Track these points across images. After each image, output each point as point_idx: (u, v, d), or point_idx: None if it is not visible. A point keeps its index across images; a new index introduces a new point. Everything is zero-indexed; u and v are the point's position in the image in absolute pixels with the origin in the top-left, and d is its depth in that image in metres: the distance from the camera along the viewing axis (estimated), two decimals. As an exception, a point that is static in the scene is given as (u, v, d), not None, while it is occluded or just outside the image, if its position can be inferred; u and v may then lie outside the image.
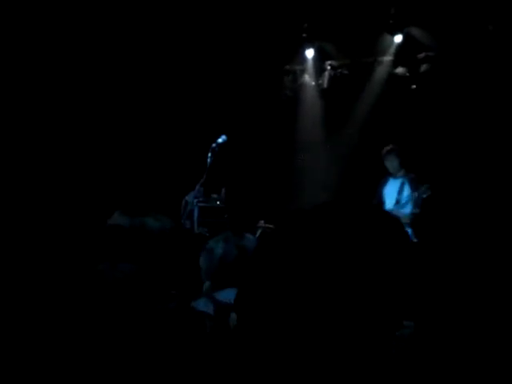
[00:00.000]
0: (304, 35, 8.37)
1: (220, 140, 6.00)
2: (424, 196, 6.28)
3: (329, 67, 8.66)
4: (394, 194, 6.56)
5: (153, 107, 8.01)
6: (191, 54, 8.04)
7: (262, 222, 6.87)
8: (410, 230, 6.14)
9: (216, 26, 7.84)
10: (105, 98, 7.60)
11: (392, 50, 8.26)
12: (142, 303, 2.14)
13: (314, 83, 8.82)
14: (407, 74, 8.17)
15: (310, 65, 8.78)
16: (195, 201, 6.33)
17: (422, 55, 8.07)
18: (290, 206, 6.98)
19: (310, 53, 8.62)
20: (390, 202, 6.59)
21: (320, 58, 8.68)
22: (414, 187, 6.43)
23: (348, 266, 1.19)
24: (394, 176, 6.68)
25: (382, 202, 6.65)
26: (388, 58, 8.31)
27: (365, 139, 8.10)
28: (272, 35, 8.13)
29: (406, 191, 6.49)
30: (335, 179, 8.04)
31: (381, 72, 8.33)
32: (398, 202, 6.53)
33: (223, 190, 7.01)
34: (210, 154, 6.06)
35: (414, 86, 8.06)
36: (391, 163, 6.64)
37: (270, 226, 6.58)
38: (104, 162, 7.43)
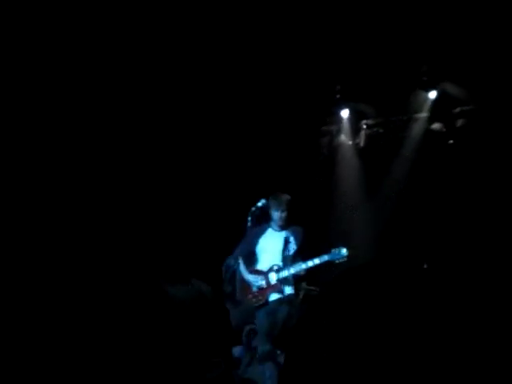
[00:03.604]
0: (338, 96, 8.47)
1: (259, 204, 6.02)
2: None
3: (365, 126, 8.72)
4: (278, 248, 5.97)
5: (193, 172, 8.13)
6: (229, 121, 8.18)
7: (304, 284, 6.82)
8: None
9: (252, 90, 8.00)
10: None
11: (427, 106, 8.28)
12: (185, 372, 2.15)
13: (350, 143, 8.86)
14: (444, 130, 8.16)
15: (345, 125, 8.83)
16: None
17: (457, 110, 8.07)
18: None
19: (345, 113, 8.69)
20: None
21: (355, 118, 8.73)
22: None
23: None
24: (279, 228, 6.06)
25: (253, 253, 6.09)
26: (423, 115, 8.32)
27: (405, 198, 8.07)
28: (307, 98, 8.25)
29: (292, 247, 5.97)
30: (375, 240, 8.00)
31: (417, 129, 8.33)
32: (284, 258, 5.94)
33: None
34: (249, 218, 6.09)
35: (452, 141, 8.03)
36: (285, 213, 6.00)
37: (313, 288, 6.54)
38: (140, 228, 7.50)
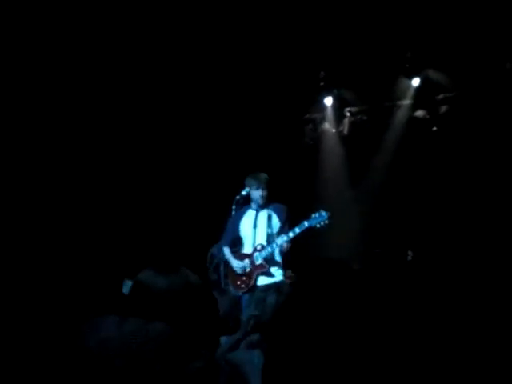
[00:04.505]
0: (322, 83, 8.45)
1: (244, 192, 5.98)
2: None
3: (348, 114, 8.71)
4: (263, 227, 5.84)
5: (177, 159, 8.09)
6: (213, 110, 8.14)
7: (289, 272, 6.79)
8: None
9: (235, 79, 7.96)
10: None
11: (410, 93, 8.29)
12: (172, 363, 2.11)
13: (334, 130, 8.86)
14: (427, 117, 8.17)
15: (329, 112, 8.83)
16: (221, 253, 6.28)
17: (440, 97, 8.08)
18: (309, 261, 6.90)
19: (328, 100, 8.69)
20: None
21: (339, 105, 8.73)
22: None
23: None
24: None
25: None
26: (407, 102, 8.33)
27: (389, 185, 8.07)
28: (290, 85, 8.23)
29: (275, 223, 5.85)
30: (359, 227, 8.01)
31: (400, 116, 8.34)
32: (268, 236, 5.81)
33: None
34: (234, 206, 6.05)
35: (435, 128, 8.04)
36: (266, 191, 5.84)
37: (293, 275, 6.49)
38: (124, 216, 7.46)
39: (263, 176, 5.85)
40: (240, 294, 5.76)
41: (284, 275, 5.92)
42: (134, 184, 7.71)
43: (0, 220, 6.22)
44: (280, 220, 5.85)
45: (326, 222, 5.56)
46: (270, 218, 5.85)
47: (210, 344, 2.55)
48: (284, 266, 5.93)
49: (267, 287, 5.70)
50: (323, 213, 5.58)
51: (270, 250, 5.71)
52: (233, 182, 6.39)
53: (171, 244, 7.14)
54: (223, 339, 3.10)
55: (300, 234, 5.63)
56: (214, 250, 6.39)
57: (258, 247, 5.79)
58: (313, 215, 5.60)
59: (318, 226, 5.58)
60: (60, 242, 6.55)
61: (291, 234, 5.64)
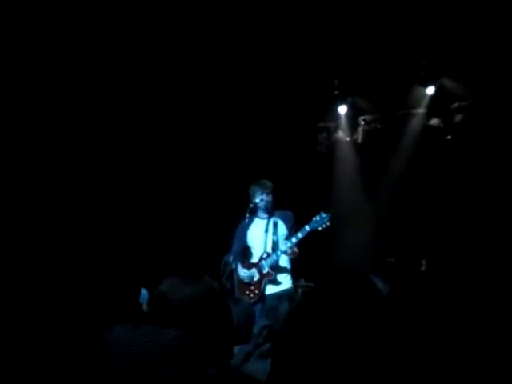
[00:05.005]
0: (336, 92, 8.44)
1: (257, 199, 5.99)
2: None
3: (362, 122, 8.69)
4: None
5: (189, 167, 8.11)
6: (226, 118, 8.15)
7: (302, 281, 6.77)
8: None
9: (249, 87, 7.98)
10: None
11: (425, 101, 8.25)
12: (186, 369, 2.11)
13: (348, 139, 8.84)
14: (442, 125, 8.13)
15: (343, 121, 8.80)
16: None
17: (455, 105, 8.04)
18: (326, 268, 6.87)
19: (342, 109, 8.66)
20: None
21: (353, 114, 8.71)
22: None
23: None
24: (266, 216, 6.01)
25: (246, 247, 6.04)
26: (421, 110, 8.29)
27: (403, 194, 8.04)
28: (304, 94, 8.22)
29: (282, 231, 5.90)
30: (373, 236, 7.97)
31: (415, 124, 8.31)
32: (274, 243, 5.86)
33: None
34: (247, 215, 6.05)
35: (450, 137, 8.00)
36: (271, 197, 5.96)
37: (311, 284, 6.48)
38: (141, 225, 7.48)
39: (267, 182, 5.93)
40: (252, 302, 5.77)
41: (294, 282, 5.94)
42: (151, 194, 7.73)
43: (18, 231, 6.25)
44: (287, 227, 5.87)
45: (328, 223, 5.59)
46: (275, 225, 5.89)
47: (224, 352, 2.55)
48: (294, 274, 5.94)
49: (278, 295, 5.71)
50: (324, 215, 5.62)
51: (274, 257, 5.74)
52: (246, 189, 6.41)
53: (186, 252, 7.15)
54: (236, 349, 3.09)
55: (303, 238, 5.65)
56: (228, 257, 6.40)
57: (264, 255, 5.82)
58: (314, 218, 5.64)
59: (319, 228, 5.62)
60: (79, 254, 6.58)
61: (294, 240, 5.67)
